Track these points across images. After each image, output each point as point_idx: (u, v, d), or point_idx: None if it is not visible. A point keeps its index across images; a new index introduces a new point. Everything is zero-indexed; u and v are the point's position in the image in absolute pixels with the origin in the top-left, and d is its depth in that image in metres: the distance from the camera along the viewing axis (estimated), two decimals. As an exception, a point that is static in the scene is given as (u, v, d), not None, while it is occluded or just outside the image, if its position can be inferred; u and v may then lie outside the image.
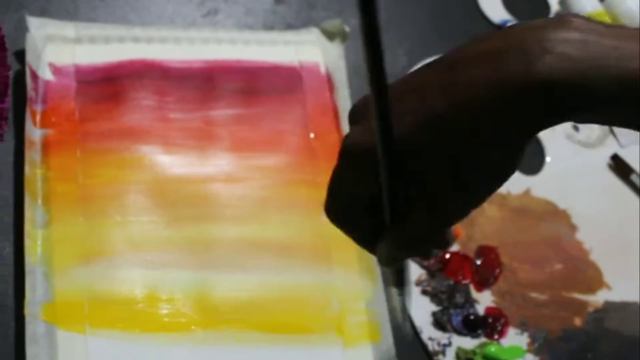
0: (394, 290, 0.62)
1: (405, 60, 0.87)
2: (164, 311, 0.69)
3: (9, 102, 0.70)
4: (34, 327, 0.66)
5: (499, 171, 0.50)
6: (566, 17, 0.49)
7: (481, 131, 0.48)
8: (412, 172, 0.50)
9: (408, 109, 0.49)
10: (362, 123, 0.51)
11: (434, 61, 0.51)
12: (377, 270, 0.75)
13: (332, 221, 0.55)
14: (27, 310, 0.67)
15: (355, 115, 0.52)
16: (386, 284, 0.65)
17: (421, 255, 0.58)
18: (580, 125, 0.87)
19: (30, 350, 0.65)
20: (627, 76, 0.47)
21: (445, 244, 0.56)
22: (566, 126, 0.87)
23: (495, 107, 0.47)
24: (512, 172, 0.51)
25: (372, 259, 0.75)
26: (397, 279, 0.60)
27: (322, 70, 0.83)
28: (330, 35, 0.84)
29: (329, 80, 0.82)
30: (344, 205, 0.54)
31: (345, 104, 0.81)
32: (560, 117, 0.48)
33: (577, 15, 0.49)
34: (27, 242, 0.69)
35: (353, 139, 0.51)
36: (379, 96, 0.47)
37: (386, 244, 0.54)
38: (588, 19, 0.49)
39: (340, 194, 0.54)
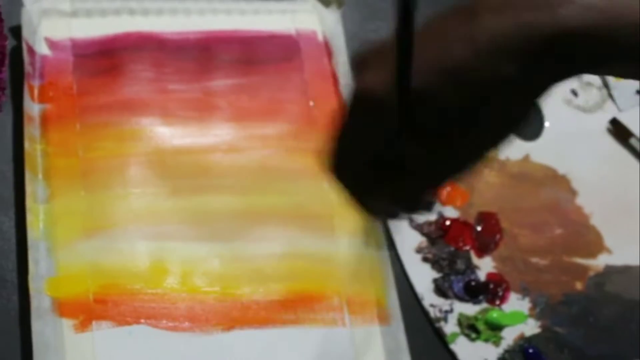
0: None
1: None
2: (169, 284, 0.69)
3: (6, 72, 0.69)
4: (38, 302, 0.66)
5: (509, 124, 0.50)
6: None
7: (502, 81, 0.47)
8: (423, 122, 0.49)
9: (429, 57, 0.48)
10: (375, 69, 0.49)
11: (454, 9, 0.49)
12: (381, 235, 0.75)
13: (333, 171, 0.54)
14: (32, 285, 0.67)
15: (364, 62, 0.51)
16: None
17: (412, 212, 0.57)
18: (579, 90, 0.87)
19: (35, 325, 0.66)
20: None
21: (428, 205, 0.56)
22: (565, 91, 0.87)
23: (520, 56, 0.47)
24: (519, 126, 0.50)
25: (376, 225, 0.75)
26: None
27: (320, 37, 0.83)
28: (326, 2, 0.84)
29: (327, 47, 0.82)
30: (349, 156, 0.52)
31: (344, 70, 0.81)
32: (583, 67, 0.48)
33: None
34: (29, 218, 0.69)
35: (367, 85, 0.50)
36: (404, 43, 0.46)
37: (385, 197, 0.53)
38: None
39: (347, 143, 0.52)
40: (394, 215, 0.57)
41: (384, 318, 0.72)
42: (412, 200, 0.54)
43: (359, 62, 0.51)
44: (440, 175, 0.53)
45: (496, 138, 0.51)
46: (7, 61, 0.70)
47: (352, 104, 0.51)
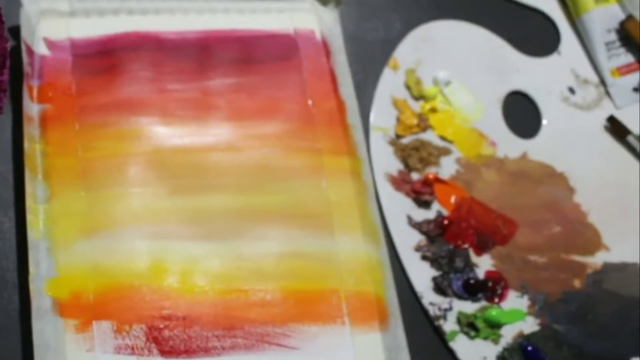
0: None
1: (400, 26, 0.86)
2: (169, 283, 0.70)
3: (7, 74, 0.69)
4: (39, 302, 0.67)
5: None
6: None
7: None
8: None
9: None
10: None
11: None
12: (380, 233, 0.75)
13: None
14: (32, 286, 0.67)
15: None
16: None
17: None
18: (576, 88, 0.88)
19: (36, 325, 0.66)
20: None
21: None
22: (562, 89, 0.87)
23: None
24: None
25: (374, 223, 0.75)
26: None
27: (318, 36, 0.83)
28: (324, 1, 0.84)
29: (325, 46, 0.82)
30: None
31: (342, 69, 0.81)
32: None
33: None
34: (29, 218, 0.69)
35: None
36: None
37: None
38: None
39: None
40: None
41: (383, 316, 0.72)
42: None
43: None
44: None
45: None
46: (8, 63, 0.70)
47: None
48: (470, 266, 0.77)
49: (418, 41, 0.86)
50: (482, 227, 0.79)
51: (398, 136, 0.82)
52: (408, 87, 0.84)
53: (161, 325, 0.68)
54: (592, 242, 0.81)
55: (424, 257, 0.77)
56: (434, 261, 0.77)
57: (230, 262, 0.71)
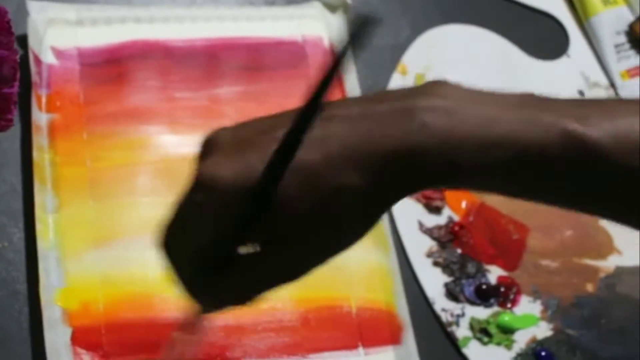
0: None
1: (408, 32, 0.86)
2: (179, 292, 0.69)
3: (17, 86, 0.69)
4: (49, 313, 0.66)
5: (356, 231, 0.50)
6: (435, 84, 0.49)
7: (348, 188, 0.48)
8: (273, 221, 0.49)
9: None
10: (230, 157, 0.49)
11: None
12: (390, 241, 0.75)
13: (160, 251, 0.53)
14: (43, 296, 0.67)
15: (216, 146, 0.51)
16: None
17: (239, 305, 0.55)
18: (586, 91, 0.87)
19: (48, 335, 0.66)
20: (487, 142, 0.47)
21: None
22: (572, 92, 0.87)
23: (365, 167, 0.47)
24: (355, 240, 0.50)
25: (384, 231, 0.75)
26: None
27: (326, 43, 0.82)
28: (332, 8, 0.84)
29: (333, 53, 0.82)
30: (181, 240, 0.52)
31: (350, 76, 0.81)
32: (430, 183, 0.49)
33: (446, 83, 0.49)
34: (39, 228, 0.69)
35: (219, 171, 0.49)
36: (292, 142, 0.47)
37: (213, 292, 0.53)
38: (459, 87, 0.49)
39: (182, 226, 0.52)
40: (218, 308, 0.55)
41: (395, 330, 0.71)
42: (241, 298, 0.53)
43: (209, 144, 0.51)
44: (274, 278, 0.51)
45: (341, 245, 0.50)
46: (18, 75, 0.69)
47: (196, 187, 0.50)
48: (482, 271, 0.77)
49: (426, 46, 0.86)
50: (493, 233, 0.78)
51: (408, 142, 0.81)
52: (417, 92, 0.83)
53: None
54: (604, 245, 0.80)
55: (435, 263, 0.76)
56: (445, 267, 0.76)
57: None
